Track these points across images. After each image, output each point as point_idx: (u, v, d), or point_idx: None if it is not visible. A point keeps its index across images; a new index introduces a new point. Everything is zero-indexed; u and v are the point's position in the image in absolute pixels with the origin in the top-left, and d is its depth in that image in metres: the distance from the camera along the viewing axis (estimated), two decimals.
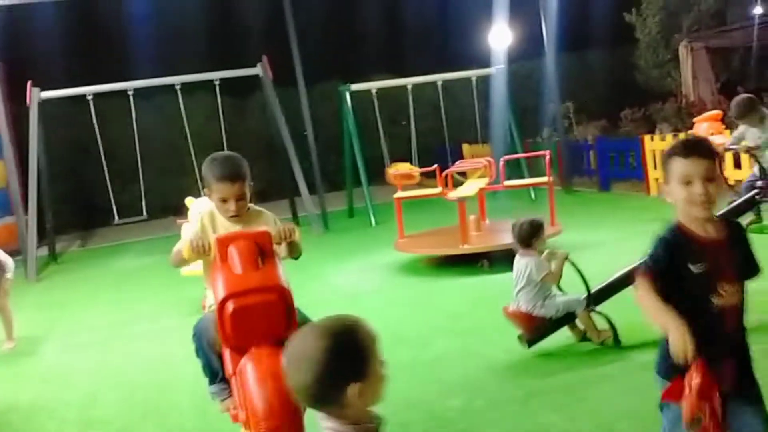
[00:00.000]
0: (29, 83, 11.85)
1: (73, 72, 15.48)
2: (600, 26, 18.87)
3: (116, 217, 12.59)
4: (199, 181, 3.19)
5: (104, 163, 12.48)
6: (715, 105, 13.31)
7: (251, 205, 3.47)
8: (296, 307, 3.07)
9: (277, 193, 14.81)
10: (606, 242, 8.15)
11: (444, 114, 14.36)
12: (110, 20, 18.59)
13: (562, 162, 13.98)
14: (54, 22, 16.92)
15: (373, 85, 13.82)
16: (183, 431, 4.27)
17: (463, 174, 10.48)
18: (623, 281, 4.80)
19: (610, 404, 3.86)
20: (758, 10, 16.43)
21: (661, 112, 15.80)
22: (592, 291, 4.79)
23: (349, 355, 1.74)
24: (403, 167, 12.73)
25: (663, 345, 2.32)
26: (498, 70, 14.09)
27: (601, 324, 4.80)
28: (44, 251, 12.52)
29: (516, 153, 12.93)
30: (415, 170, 12.55)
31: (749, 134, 7.31)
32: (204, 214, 3.48)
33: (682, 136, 10.90)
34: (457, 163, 10.29)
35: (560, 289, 4.92)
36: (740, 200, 6.35)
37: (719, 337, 2.30)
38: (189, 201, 7.38)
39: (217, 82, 12.50)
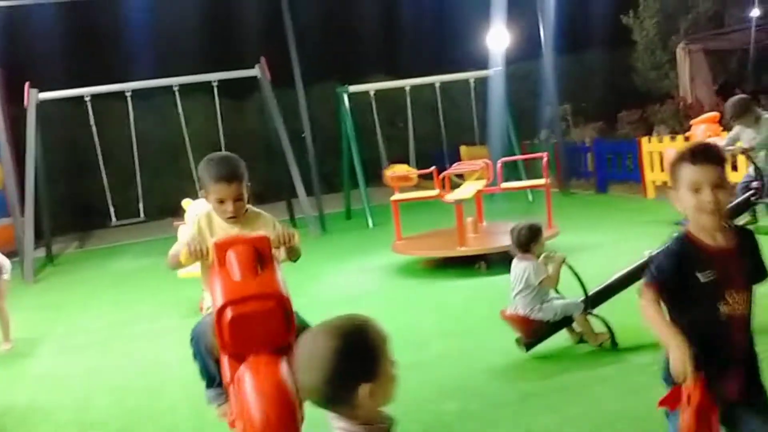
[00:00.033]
0: (27, 84, 11.84)
1: (71, 73, 15.47)
2: (598, 28, 18.89)
3: (114, 219, 12.58)
4: (197, 182, 3.15)
5: (102, 164, 12.48)
6: (712, 107, 13.30)
7: (250, 206, 3.42)
8: (294, 312, 3.05)
9: (274, 194, 14.80)
10: (603, 244, 8.15)
11: (442, 116, 14.37)
12: (108, 22, 18.57)
13: (560, 164, 13.99)
14: (52, 24, 16.92)
15: (371, 87, 13.83)
16: None
17: (461, 176, 10.49)
18: (620, 284, 4.81)
19: (607, 406, 3.85)
20: (756, 12, 16.45)
21: (658, 114, 15.81)
22: (590, 294, 4.79)
23: (359, 355, 1.73)
24: (401, 169, 12.74)
25: (667, 353, 2.31)
26: (496, 71, 14.10)
27: (598, 327, 4.80)
28: (41, 253, 12.49)
29: (513, 155, 12.94)
30: (413, 172, 12.55)
31: (744, 135, 7.32)
32: (201, 216, 3.43)
33: (679, 138, 10.94)
34: (454, 164, 10.30)
35: (558, 293, 4.92)
36: (736, 201, 6.36)
37: (726, 346, 2.28)
38: (186, 203, 7.37)
39: (215, 84, 12.50)
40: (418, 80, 13.99)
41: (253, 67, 12.89)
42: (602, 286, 4.85)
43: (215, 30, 19.69)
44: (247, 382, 2.86)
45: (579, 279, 4.77)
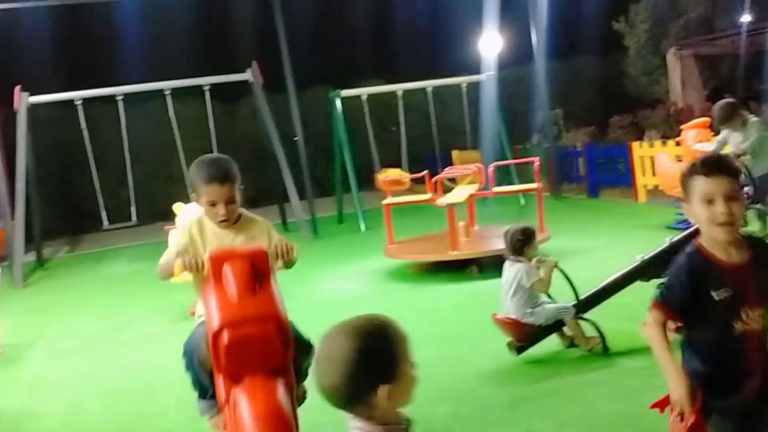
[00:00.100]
0: (17, 88, 11.79)
1: (62, 77, 15.45)
2: (589, 33, 18.97)
3: (105, 223, 12.53)
4: (188, 186, 3.06)
5: (93, 168, 12.43)
6: (703, 112, 13.36)
7: (244, 211, 3.31)
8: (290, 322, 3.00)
9: (266, 198, 14.79)
10: (595, 248, 8.17)
11: (434, 120, 14.39)
12: (100, 25, 18.53)
13: (552, 168, 14.02)
14: (43, 27, 16.88)
15: (364, 91, 13.85)
16: None
17: (453, 180, 10.51)
18: (612, 288, 4.82)
19: (598, 410, 3.86)
20: (746, 17, 16.55)
21: (649, 118, 15.89)
22: (581, 298, 4.80)
23: (378, 356, 1.71)
24: (393, 173, 12.75)
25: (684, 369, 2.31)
26: (488, 76, 14.13)
27: (589, 331, 4.81)
28: (31, 257, 12.44)
29: (505, 159, 12.97)
30: (405, 176, 12.56)
31: (732, 139, 7.35)
32: (192, 223, 3.29)
33: (670, 143, 10.98)
34: (446, 169, 10.31)
35: (549, 297, 4.93)
36: None
37: (741, 362, 2.25)
38: (177, 207, 7.35)
39: (206, 88, 12.48)
40: (411, 85, 14.01)
41: (245, 70, 12.88)
42: (593, 290, 4.86)
43: (207, 34, 19.68)
44: (243, 406, 2.78)
45: (570, 283, 4.78)
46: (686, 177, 2.30)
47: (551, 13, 14.09)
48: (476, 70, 14.78)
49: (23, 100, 11.73)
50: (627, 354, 4.63)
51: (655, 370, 4.12)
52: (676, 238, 4.61)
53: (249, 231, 3.25)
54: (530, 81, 15.68)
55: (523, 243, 4.86)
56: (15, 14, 13.69)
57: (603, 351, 4.73)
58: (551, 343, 4.90)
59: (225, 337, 2.80)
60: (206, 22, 19.57)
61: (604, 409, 3.85)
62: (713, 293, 2.22)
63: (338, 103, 13.33)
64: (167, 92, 12.29)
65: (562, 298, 4.90)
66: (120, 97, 12.21)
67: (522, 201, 12.88)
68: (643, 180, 11.74)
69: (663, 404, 2.31)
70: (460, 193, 8.76)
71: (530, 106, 16.49)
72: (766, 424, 2.28)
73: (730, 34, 16.38)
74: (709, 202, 2.21)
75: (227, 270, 2.91)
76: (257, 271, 2.93)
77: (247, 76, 12.85)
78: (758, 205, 6.93)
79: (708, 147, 8.45)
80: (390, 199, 9.60)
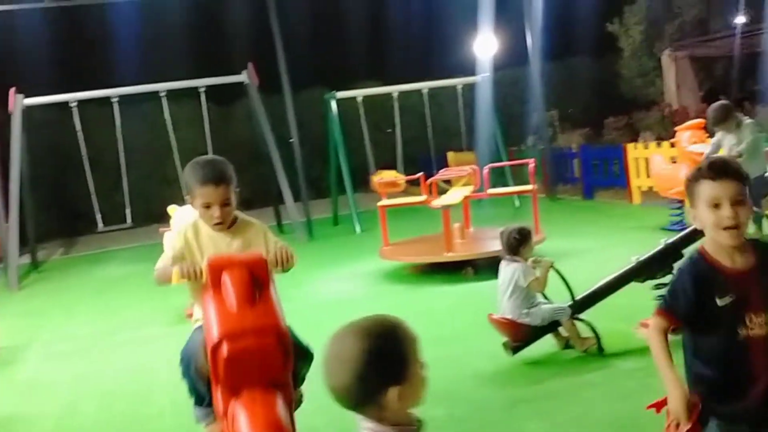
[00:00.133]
0: (12, 90, 11.76)
1: (57, 79, 15.42)
2: (584, 35, 19.02)
3: (100, 225, 12.50)
4: (183, 188, 3.00)
5: (88, 170, 12.39)
6: (698, 113, 13.40)
7: (240, 214, 3.25)
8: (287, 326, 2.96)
9: (262, 200, 14.78)
10: (590, 249, 8.18)
11: (429, 122, 14.39)
12: (95, 27, 18.52)
13: (547, 170, 14.04)
14: (38, 29, 16.84)
15: (359, 93, 13.84)
16: None
17: (448, 182, 10.51)
18: (607, 289, 4.82)
19: (594, 411, 3.86)
20: (741, 19, 16.61)
21: (644, 120, 15.93)
22: (577, 299, 4.80)
23: (388, 357, 1.70)
24: (388, 175, 12.75)
25: (689, 374, 2.31)
26: (483, 78, 14.13)
27: (584, 332, 4.81)
28: (26, 259, 12.40)
29: (501, 161, 12.97)
30: (400, 178, 12.56)
31: (726, 141, 7.37)
32: (187, 227, 3.23)
33: (665, 144, 11.00)
34: (441, 170, 10.31)
35: (545, 298, 4.93)
36: None
37: (747, 367, 2.23)
38: (172, 209, 7.33)
39: (202, 89, 12.47)
40: (406, 86, 14.00)
41: (240, 72, 12.87)
42: (589, 291, 4.87)
43: (202, 35, 19.67)
44: (242, 420, 2.73)
45: (566, 283, 4.79)
46: (692, 181, 2.28)
47: (546, 15, 14.11)
48: (471, 72, 14.80)
49: (18, 102, 11.70)
50: (622, 355, 4.63)
51: (651, 372, 4.12)
52: (671, 240, 4.61)
53: (245, 234, 3.19)
54: (525, 83, 15.69)
55: (519, 242, 4.86)
56: (10, 16, 13.66)
57: (598, 351, 4.73)
58: (547, 344, 4.90)
59: (224, 349, 2.75)
60: (202, 24, 19.56)
61: (600, 411, 3.85)
62: (717, 300, 2.22)
63: (333, 104, 13.33)
64: (162, 94, 12.26)
65: (557, 299, 4.90)
66: (115, 99, 12.18)
67: (517, 203, 12.89)
68: (637, 181, 11.76)
69: (660, 406, 2.32)
70: (455, 195, 8.76)
71: (525, 107, 16.52)
72: None
73: (724, 35, 16.43)
74: (716, 206, 2.20)
75: (226, 279, 2.85)
76: (256, 280, 2.87)
77: (242, 77, 12.84)
78: (753, 208, 6.94)
79: (702, 148, 8.47)
80: (385, 201, 9.59)
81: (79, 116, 12.12)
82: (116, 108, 12.20)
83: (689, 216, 2.34)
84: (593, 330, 4.77)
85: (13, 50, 17.02)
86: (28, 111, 12.08)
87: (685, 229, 5.48)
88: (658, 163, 9.60)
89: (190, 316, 6.05)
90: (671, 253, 4.55)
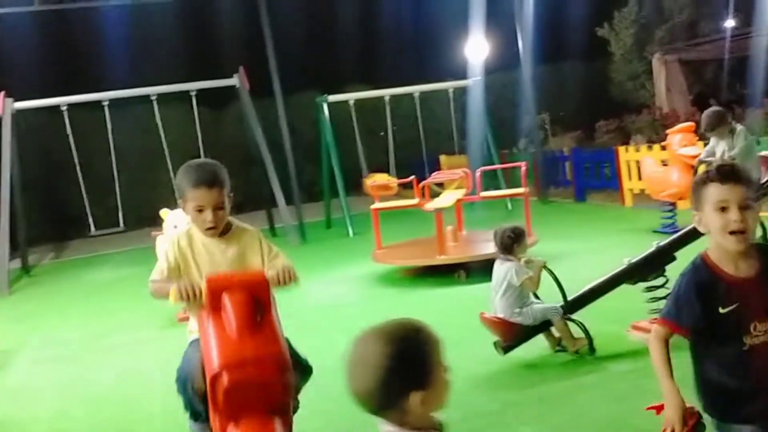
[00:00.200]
0: (2, 93, 11.71)
1: (48, 82, 15.35)
2: (575, 39, 19.07)
3: (92, 229, 12.46)
4: (175, 191, 2.94)
5: (79, 174, 12.34)
6: (688, 117, 13.47)
7: (234, 221, 3.16)
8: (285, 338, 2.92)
9: (254, 204, 14.76)
10: (581, 252, 8.20)
11: (421, 125, 14.41)
12: (86, 31, 18.46)
13: (538, 173, 14.08)
14: (28, 32, 16.78)
15: (351, 96, 13.85)
16: None
17: (441, 185, 10.52)
18: (599, 290, 4.83)
19: (588, 414, 3.86)
20: (730, 23, 16.71)
21: (635, 123, 15.98)
22: (569, 299, 4.81)
23: (411, 362, 1.68)
24: (381, 178, 12.75)
25: (698, 379, 2.32)
26: (474, 81, 14.17)
27: (576, 332, 4.82)
28: (16, 264, 12.34)
29: (492, 164, 13.00)
30: (393, 181, 12.57)
31: (719, 147, 7.42)
32: (180, 235, 3.13)
33: (656, 147, 11.04)
34: (434, 174, 10.32)
35: (537, 297, 4.94)
36: None
37: (752, 374, 2.22)
38: (164, 213, 7.31)
39: (193, 93, 12.44)
40: (398, 90, 14.02)
41: (231, 76, 12.85)
42: (581, 291, 4.88)
43: (194, 39, 19.64)
44: None
45: (558, 283, 4.81)
46: (699, 185, 2.25)
47: (537, 19, 14.16)
48: (463, 76, 14.83)
49: (8, 106, 11.63)
50: (615, 357, 4.64)
51: (644, 374, 4.16)
52: (663, 243, 4.63)
53: (240, 241, 3.11)
54: (517, 86, 15.73)
55: (513, 241, 4.87)
56: None
57: (590, 352, 4.74)
58: (539, 347, 4.90)
59: (224, 379, 2.68)
60: (193, 28, 19.52)
61: (593, 414, 3.85)
62: (720, 308, 2.20)
63: (325, 108, 13.33)
64: (154, 98, 12.23)
65: (549, 299, 4.91)
66: (106, 103, 12.13)
67: (509, 206, 12.91)
68: (629, 184, 11.80)
69: (660, 408, 2.32)
70: (447, 198, 8.76)
71: (517, 111, 16.57)
72: None
73: (714, 39, 16.51)
74: (723, 209, 2.17)
75: (226, 302, 2.76)
76: (257, 302, 2.79)
77: (233, 81, 12.82)
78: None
79: (693, 151, 8.52)
80: (378, 204, 9.59)
81: (70, 120, 12.07)
82: (107, 112, 12.16)
83: (694, 220, 2.30)
84: (585, 330, 4.78)
85: (2, 54, 16.95)
86: (18, 115, 12.02)
87: (677, 231, 5.50)
88: (650, 166, 9.64)
89: (182, 320, 6.05)
90: (663, 255, 4.57)
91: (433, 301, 6.98)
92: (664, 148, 9.87)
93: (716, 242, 2.24)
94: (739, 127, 7.39)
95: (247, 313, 2.74)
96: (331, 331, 6.10)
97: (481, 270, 6.44)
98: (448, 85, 14.17)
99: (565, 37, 19.10)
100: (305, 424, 3.08)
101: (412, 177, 10.31)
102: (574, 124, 17.88)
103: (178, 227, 7.02)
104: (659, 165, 9.63)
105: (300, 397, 3.33)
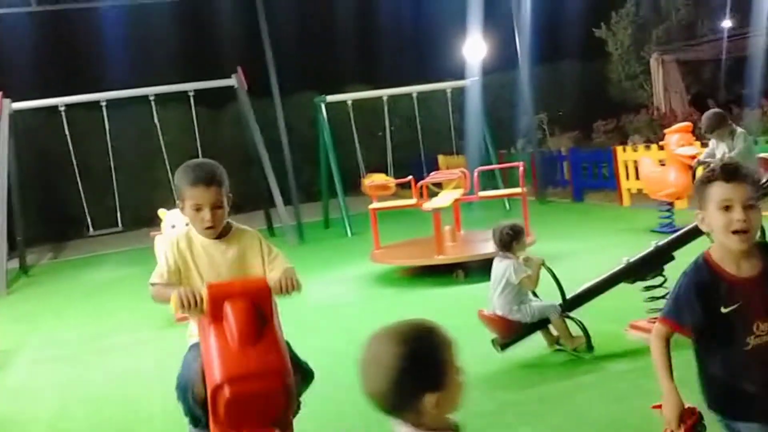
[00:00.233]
0: (0, 94, 11.71)
1: (46, 83, 15.35)
2: (573, 39, 19.09)
3: (91, 229, 12.46)
4: (173, 191, 2.92)
5: (77, 174, 12.34)
6: (686, 116, 13.49)
7: (234, 223, 3.13)
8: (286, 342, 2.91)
9: (252, 204, 14.75)
10: (580, 251, 8.21)
11: (419, 125, 14.42)
12: (83, 31, 18.44)
13: (536, 173, 14.09)
14: (26, 33, 16.76)
15: (349, 97, 13.85)
16: None
17: (439, 185, 10.53)
18: (598, 289, 4.84)
19: (586, 414, 3.87)
20: (727, 23, 16.74)
21: (633, 123, 16.00)
22: (567, 297, 4.83)
23: (424, 363, 1.68)
24: (379, 178, 12.76)
25: (702, 377, 2.33)
26: (472, 82, 14.18)
27: (574, 330, 4.84)
28: (15, 264, 12.33)
29: (490, 164, 13.01)
30: (391, 181, 12.57)
31: (719, 149, 7.44)
32: (179, 237, 3.08)
33: (654, 147, 11.06)
34: (432, 174, 10.33)
35: (535, 296, 4.95)
36: None
37: (757, 373, 2.22)
38: (162, 213, 7.32)
39: (191, 93, 12.43)
40: (396, 90, 14.03)
41: (229, 76, 12.86)
42: (580, 290, 4.89)
43: (192, 39, 19.62)
44: None
45: (557, 281, 4.83)
46: (703, 184, 2.24)
47: (535, 19, 14.18)
48: (461, 76, 14.84)
49: (5, 107, 11.64)
50: (614, 357, 4.65)
51: (643, 373, 4.17)
52: (662, 242, 4.64)
53: (240, 243, 3.08)
54: (514, 86, 15.74)
55: (512, 238, 4.88)
56: None
57: (588, 350, 4.76)
58: (538, 347, 4.91)
59: (226, 392, 2.65)
60: (191, 28, 19.50)
61: (592, 414, 3.86)
62: (721, 308, 2.20)
63: (323, 108, 13.33)
64: (152, 98, 12.23)
65: (547, 298, 4.92)
66: (104, 103, 12.12)
67: (507, 206, 12.92)
68: (627, 184, 11.82)
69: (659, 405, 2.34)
70: (445, 198, 8.77)
71: (515, 111, 16.57)
72: None
73: (711, 39, 16.54)
74: (726, 208, 2.17)
75: (228, 311, 2.71)
76: (260, 311, 2.74)
77: (232, 81, 12.83)
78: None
79: (691, 151, 8.54)
80: (376, 204, 9.60)
81: (68, 120, 12.07)
82: (105, 112, 12.15)
83: (696, 219, 2.30)
84: (583, 328, 4.79)
85: (0, 54, 16.93)
86: (16, 115, 12.02)
87: (674, 231, 5.52)
88: (647, 166, 9.65)
89: (180, 320, 6.05)
90: (662, 255, 4.58)
91: (432, 300, 6.99)
92: (661, 147, 9.89)
93: (719, 241, 2.23)
94: (739, 129, 7.42)
95: (249, 323, 2.70)
96: (330, 331, 6.11)
97: (480, 270, 6.45)
98: (446, 85, 14.17)
99: (562, 38, 19.12)
100: (303, 423, 3.09)
101: (410, 177, 10.32)
102: (571, 124, 17.90)
103: (176, 227, 7.04)
104: (657, 165, 9.65)
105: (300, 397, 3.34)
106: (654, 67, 16.81)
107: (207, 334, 2.76)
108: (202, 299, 2.77)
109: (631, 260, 4.65)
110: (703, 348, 2.31)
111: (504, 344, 4.79)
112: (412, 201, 9.57)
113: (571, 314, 4.85)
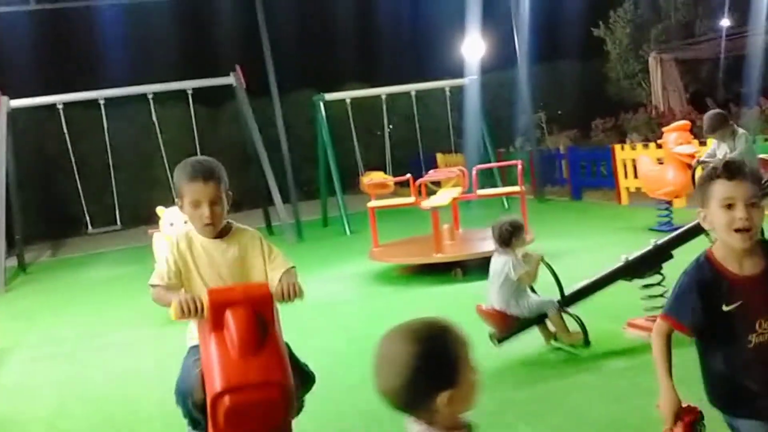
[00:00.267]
0: None
1: (44, 81, 15.33)
2: (571, 38, 19.11)
3: (89, 227, 12.45)
4: (172, 189, 2.91)
5: (76, 172, 12.33)
6: (684, 115, 13.50)
7: (235, 223, 3.10)
8: (286, 343, 2.91)
9: (251, 202, 14.77)
10: (578, 250, 8.21)
11: (418, 124, 14.42)
12: (82, 29, 18.42)
13: (535, 171, 14.10)
14: (24, 31, 16.73)
15: (348, 95, 13.84)
16: None
17: (437, 183, 10.54)
18: (596, 285, 4.85)
19: (585, 413, 3.87)
20: (726, 22, 16.75)
21: (631, 122, 16.02)
22: (566, 293, 4.84)
23: (438, 362, 1.68)
24: (378, 176, 12.77)
25: (705, 373, 2.34)
26: (471, 80, 14.18)
27: (571, 327, 4.85)
28: (13, 261, 12.33)
29: (489, 162, 13.01)
30: (390, 179, 12.58)
31: (720, 149, 7.45)
32: (179, 238, 3.06)
33: (652, 145, 11.07)
34: (430, 172, 10.33)
35: (533, 291, 4.96)
36: None
37: (758, 372, 2.21)
38: (160, 210, 7.32)
39: (190, 92, 12.42)
40: (395, 88, 14.02)
41: (228, 74, 12.85)
42: (578, 286, 4.91)
43: (190, 38, 19.61)
44: None
45: (555, 277, 4.85)
46: (705, 181, 2.23)
47: (534, 18, 14.18)
48: (460, 74, 14.85)
49: (4, 105, 11.62)
50: (612, 355, 4.66)
51: (641, 371, 4.18)
52: (661, 241, 4.65)
53: (241, 242, 3.05)
54: (513, 85, 15.76)
55: (511, 234, 4.89)
56: None
57: (585, 345, 4.77)
58: (536, 345, 4.92)
59: (226, 401, 2.64)
60: (190, 26, 19.50)
61: (590, 412, 3.86)
62: (723, 306, 2.20)
63: (322, 106, 13.33)
64: (150, 96, 12.21)
65: (546, 294, 4.94)
66: (102, 101, 12.12)
67: (506, 204, 12.93)
68: (625, 182, 11.83)
69: None
70: (444, 196, 8.78)
71: (513, 109, 16.58)
72: None
73: (710, 38, 16.56)
74: (729, 206, 2.15)
75: (229, 319, 2.69)
76: (261, 319, 2.72)
77: (230, 80, 12.82)
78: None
79: (689, 149, 8.55)
80: (374, 202, 9.60)
81: (67, 118, 12.06)
82: (104, 110, 12.14)
83: (699, 216, 2.29)
84: (580, 323, 4.80)
85: None
86: (14, 113, 12.01)
87: (673, 229, 5.53)
88: (646, 164, 9.66)
89: (178, 318, 6.03)
90: (661, 253, 4.59)
91: (430, 299, 6.99)
92: (660, 146, 9.90)
93: (721, 239, 2.23)
94: (740, 130, 7.43)
95: (250, 332, 2.68)
96: (328, 329, 6.11)
97: (478, 268, 6.44)
98: (445, 83, 14.18)
99: (561, 36, 19.14)
100: (301, 423, 3.09)
101: (409, 175, 10.32)
102: (570, 122, 17.92)
103: (175, 225, 7.05)
104: (655, 163, 9.66)
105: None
106: (652, 66, 16.82)
107: (208, 341, 2.75)
108: (202, 306, 2.74)
109: (630, 258, 4.66)
110: (706, 345, 2.31)
111: (501, 339, 4.81)
112: (411, 199, 9.57)
113: (569, 310, 4.86)
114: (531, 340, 4.92)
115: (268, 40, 12.89)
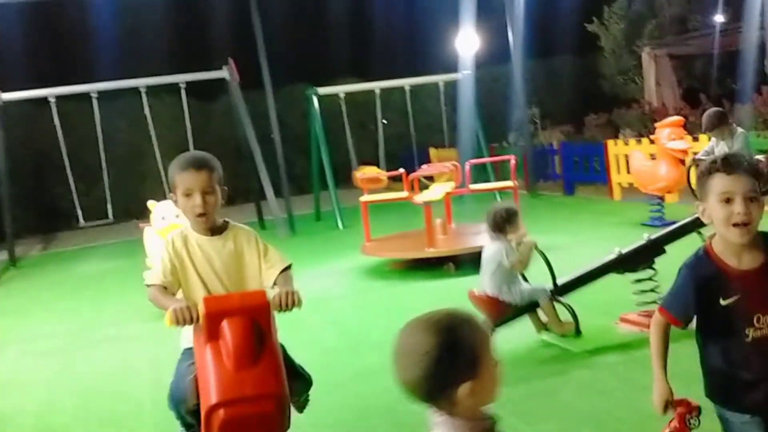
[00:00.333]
0: None
1: (36, 74, 15.24)
2: (566, 33, 19.10)
3: (81, 221, 12.41)
4: (164, 183, 2.89)
5: (67, 166, 12.28)
6: (677, 111, 13.52)
7: (231, 221, 3.09)
8: (281, 344, 2.88)
9: (243, 196, 14.73)
10: (570, 245, 8.21)
11: (411, 118, 14.41)
12: (74, 22, 18.34)
13: (528, 166, 14.11)
14: (16, 23, 16.64)
15: (341, 89, 13.83)
16: None
17: (430, 178, 10.53)
18: (589, 277, 4.87)
19: (576, 408, 3.87)
20: (719, 18, 16.76)
21: (624, 117, 16.04)
22: (558, 283, 4.86)
23: (459, 353, 1.66)
24: (371, 171, 12.74)
25: (703, 367, 2.34)
26: (465, 75, 14.17)
27: (564, 317, 4.86)
28: (4, 255, 12.27)
29: (482, 157, 13.02)
30: (383, 174, 12.56)
31: (719, 147, 7.45)
32: (174, 236, 3.02)
33: (645, 141, 11.08)
34: (423, 166, 10.32)
35: (525, 279, 4.96)
36: None
37: (756, 366, 2.21)
38: (151, 204, 7.29)
39: (182, 85, 12.38)
40: (388, 83, 14.01)
41: (221, 68, 12.81)
42: (571, 277, 4.92)
43: (183, 31, 19.54)
44: None
45: (548, 264, 4.87)
46: (704, 175, 2.22)
47: (528, 13, 14.16)
48: (453, 69, 14.83)
49: None
50: (604, 350, 4.65)
51: (632, 366, 4.19)
52: (654, 236, 4.65)
53: (236, 240, 3.03)
54: (507, 80, 15.75)
55: (505, 221, 4.90)
56: None
57: (576, 334, 4.78)
58: (527, 341, 4.92)
59: (221, 414, 2.61)
60: (182, 19, 19.43)
61: (582, 407, 3.86)
62: (722, 301, 2.20)
63: (315, 100, 13.30)
64: (143, 89, 12.18)
65: (538, 282, 4.95)
66: (95, 95, 12.07)
67: (498, 199, 12.92)
68: (618, 177, 11.85)
69: (676, 403, 2.35)
70: (436, 191, 8.77)
71: (507, 105, 16.57)
72: None
73: (703, 34, 16.57)
74: (727, 201, 2.14)
75: (226, 329, 2.65)
76: (257, 329, 2.68)
77: (223, 73, 12.78)
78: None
79: (681, 145, 8.56)
80: (367, 197, 9.59)
81: (59, 111, 12.01)
82: (95, 103, 12.09)
83: (697, 210, 2.28)
84: (572, 312, 4.81)
85: None
86: (6, 106, 11.94)
87: (665, 224, 5.53)
88: (638, 160, 9.67)
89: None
90: (654, 248, 4.60)
91: (422, 293, 6.98)
92: (652, 141, 9.91)
93: (720, 234, 2.22)
94: (739, 129, 7.44)
95: (247, 344, 2.65)
96: (320, 324, 6.09)
97: (470, 262, 6.44)
98: (439, 78, 14.17)
99: (555, 32, 19.12)
100: (292, 417, 3.07)
101: (402, 170, 10.31)
102: (563, 118, 17.92)
103: (166, 219, 7.01)
104: (648, 159, 9.67)
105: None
106: (646, 62, 16.84)
107: (203, 350, 2.71)
108: (197, 314, 2.71)
109: (624, 251, 4.67)
110: (704, 339, 2.31)
111: (494, 326, 4.81)
112: (404, 194, 9.57)
113: (561, 299, 4.87)
114: (521, 335, 4.92)
115: (261, 34, 12.84)
